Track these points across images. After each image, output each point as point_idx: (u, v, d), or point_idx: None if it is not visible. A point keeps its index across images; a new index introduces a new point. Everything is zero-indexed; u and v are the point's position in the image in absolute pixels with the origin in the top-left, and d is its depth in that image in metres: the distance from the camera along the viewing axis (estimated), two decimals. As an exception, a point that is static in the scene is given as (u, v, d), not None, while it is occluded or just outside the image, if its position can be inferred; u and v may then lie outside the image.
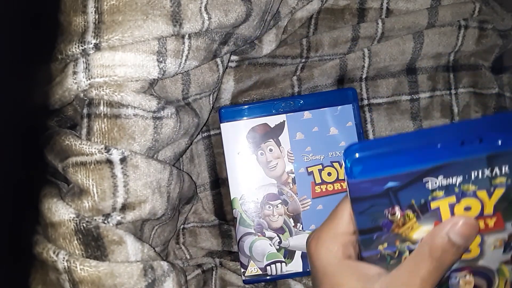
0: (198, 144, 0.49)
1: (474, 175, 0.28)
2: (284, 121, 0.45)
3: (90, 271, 0.33)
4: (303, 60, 0.48)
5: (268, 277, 0.45)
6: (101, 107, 0.35)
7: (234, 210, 0.46)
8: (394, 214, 0.29)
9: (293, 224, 0.45)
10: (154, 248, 0.38)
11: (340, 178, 0.44)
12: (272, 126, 0.45)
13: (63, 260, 0.33)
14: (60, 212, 0.34)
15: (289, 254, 0.45)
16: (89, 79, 0.34)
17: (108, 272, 0.33)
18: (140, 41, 0.34)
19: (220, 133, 0.47)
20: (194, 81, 0.41)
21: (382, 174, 0.27)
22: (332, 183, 0.44)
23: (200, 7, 0.35)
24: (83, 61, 0.34)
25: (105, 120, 0.35)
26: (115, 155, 0.34)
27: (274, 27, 0.46)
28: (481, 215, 0.29)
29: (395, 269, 0.29)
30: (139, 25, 0.34)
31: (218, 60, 0.43)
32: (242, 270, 0.45)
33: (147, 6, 0.34)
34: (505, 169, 0.28)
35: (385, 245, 0.30)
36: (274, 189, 0.44)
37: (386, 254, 0.30)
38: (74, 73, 0.34)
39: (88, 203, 0.34)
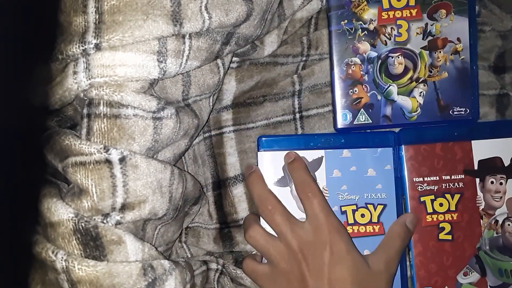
0: (200, 145, 0.48)
1: None
2: (322, 156, 0.44)
3: (88, 270, 0.33)
4: (304, 59, 0.48)
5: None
6: (101, 107, 0.35)
7: None
8: None
9: None
10: (156, 248, 0.38)
11: (373, 220, 0.43)
12: (309, 160, 0.44)
13: (61, 260, 0.33)
14: (59, 212, 0.34)
15: None
16: (89, 79, 0.34)
17: (106, 272, 0.33)
18: (140, 41, 0.34)
19: (221, 133, 0.46)
20: (195, 83, 0.41)
21: None
22: (365, 225, 0.43)
23: (201, 6, 0.35)
24: (83, 61, 0.34)
25: (105, 120, 0.35)
26: (114, 155, 0.34)
27: (276, 28, 0.46)
28: (407, 5, 0.44)
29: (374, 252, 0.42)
30: (139, 25, 0.34)
31: (219, 62, 0.43)
32: None
33: (148, 6, 0.34)
34: None
35: (345, 21, 0.45)
36: None
37: (345, 30, 0.45)
38: (75, 73, 0.34)
39: (87, 203, 0.34)
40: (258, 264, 0.42)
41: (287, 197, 0.43)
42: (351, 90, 0.45)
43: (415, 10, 0.45)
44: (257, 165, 0.44)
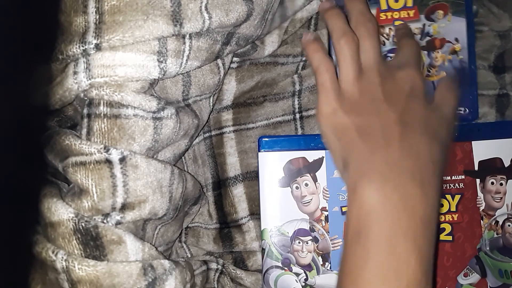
0: (200, 145, 0.49)
1: None
2: (323, 157, 0.44)
3: (88, 270, 0.33)
4: (304, 59, 0.48)
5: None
6: (101, 107, 0.35)
7: (263, 241, 0.44)
8: None
9: (321, 263, 0.44)
10: (156, 248, 0.38)
11: None
12: (310, 161, 0.44)
13: (61, 260, 0.33)
14: (60, 211, 0.34)
15: None
16: (89, 79, 0.34)
17: (107, 272, 0.33)
18: (140, 41, 0.34)
19: (221, 133, 0.46)
20: (195, 83, 0.41)
21: None
22: None
23: (201, 6, 0.35)
24: (83, 61, 0.34)
25: (105, 120, 0.35)
26: (114, 155, 0.34)
27: (277, 28, 0.46)
28: (404, 6, 0.45)
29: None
30: (139, 25, 0.34)
31: (219, 62, 0.43)
32: None
33: (148, 6, 0.34)
34: None
35: None
36: (306, 225, 0.42)
37: None
38: (75, 73, 0.34)
39: (87, 203, 0.34)
40: None
41: (287, 197, 0.43)
42: None
43: (413, 11, 0.45)
44: (258, 165, 0.44)
